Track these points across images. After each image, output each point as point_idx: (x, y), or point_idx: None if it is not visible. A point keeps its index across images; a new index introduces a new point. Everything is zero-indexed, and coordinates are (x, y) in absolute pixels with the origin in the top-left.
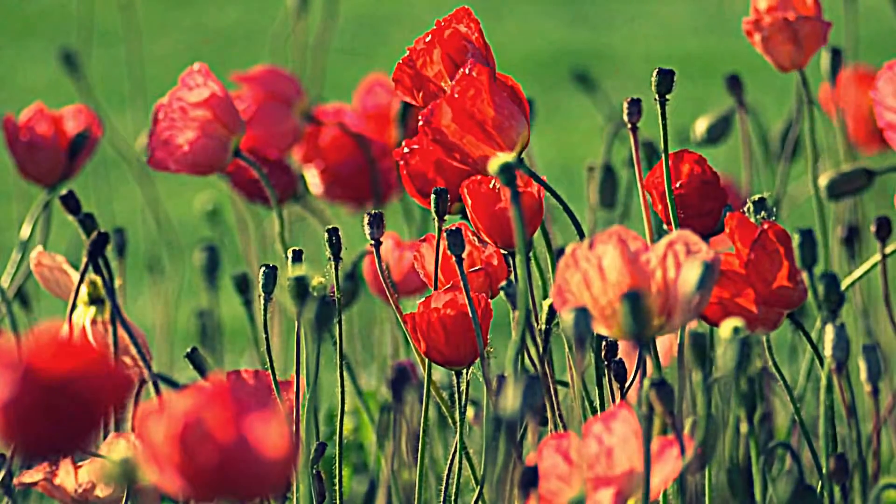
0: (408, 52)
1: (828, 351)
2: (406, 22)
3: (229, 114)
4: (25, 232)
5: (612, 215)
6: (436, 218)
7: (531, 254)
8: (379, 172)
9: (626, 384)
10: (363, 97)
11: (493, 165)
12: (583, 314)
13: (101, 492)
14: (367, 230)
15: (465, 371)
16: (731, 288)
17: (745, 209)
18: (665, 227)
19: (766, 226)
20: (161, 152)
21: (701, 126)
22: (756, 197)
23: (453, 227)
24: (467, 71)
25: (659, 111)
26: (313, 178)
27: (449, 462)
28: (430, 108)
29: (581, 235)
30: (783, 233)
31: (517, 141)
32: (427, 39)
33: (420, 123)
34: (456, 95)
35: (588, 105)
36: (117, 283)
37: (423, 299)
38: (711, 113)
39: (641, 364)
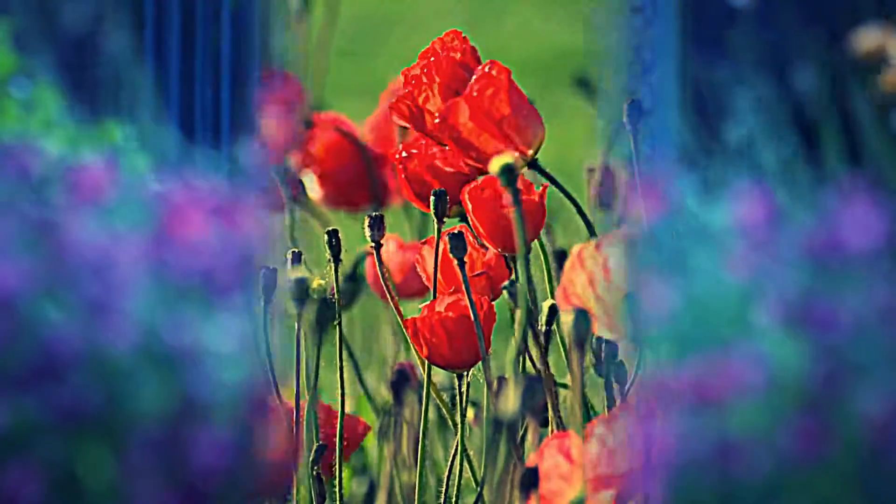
0: (404, 82)
1: None
2: (407, 23)
3: None
4: None
5: (612, 217)
6: (435, 220)
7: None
8: (378, 176)
9: (627, 386)
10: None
11: (494, 166)
12: (582, 315)
13: None
14: (367, 232)
15: (465, 373)
16: None
17: None
18: None
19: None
20: None
21: None
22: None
23: (455, 231)
24: (487, 69)
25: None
26: (311, 183)
27: (449, 463)
28: (447, 106)
29: (592, 235)
30: None
31: (533, 141)
32: (424, 70)
33: (436, 121)
34: (475, 94)
35: (587, 107)
36: None
37: (426, 304)
38: None
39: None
